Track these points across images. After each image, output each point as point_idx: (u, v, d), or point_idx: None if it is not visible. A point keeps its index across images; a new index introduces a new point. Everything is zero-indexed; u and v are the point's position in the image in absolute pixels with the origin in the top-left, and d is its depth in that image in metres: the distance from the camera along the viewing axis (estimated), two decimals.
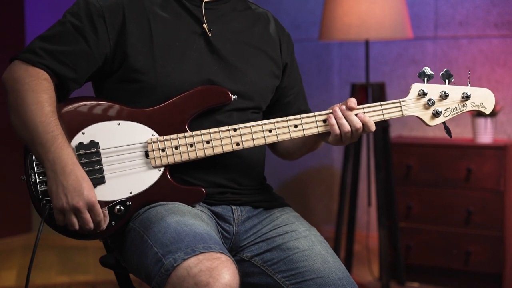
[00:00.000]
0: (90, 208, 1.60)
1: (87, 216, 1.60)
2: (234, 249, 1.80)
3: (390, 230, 3.54)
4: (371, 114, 1.74)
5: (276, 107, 1.93)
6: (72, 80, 1.71)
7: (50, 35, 1.71)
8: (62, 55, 1.69)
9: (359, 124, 1.70)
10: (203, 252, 1.48)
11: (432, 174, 3.52)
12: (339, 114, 1.71)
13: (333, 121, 1.71)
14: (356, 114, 1.71)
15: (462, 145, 3.52)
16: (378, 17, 3.30)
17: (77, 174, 1.60)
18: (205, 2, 1.80)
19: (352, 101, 1.71)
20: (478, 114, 3.46)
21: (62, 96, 1.72)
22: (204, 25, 1.78)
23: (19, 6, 4.48)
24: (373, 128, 1.72)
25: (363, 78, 4.09)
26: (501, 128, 3.80)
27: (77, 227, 1.61)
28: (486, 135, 3.46)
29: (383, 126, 3.47)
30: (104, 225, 1.65)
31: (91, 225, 1.62)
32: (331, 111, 1.73)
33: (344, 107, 1.71)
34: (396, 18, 3.34)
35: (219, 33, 1.79)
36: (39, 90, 1.65)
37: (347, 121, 1.70)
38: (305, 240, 1.75)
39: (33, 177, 1.65)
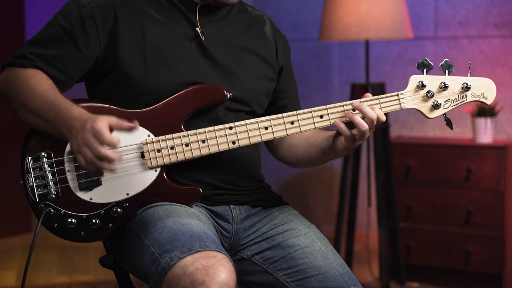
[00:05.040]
0: (96, 135, 1.53)
1: (98, 147, 1.53)
2: (234, 248, 1.81)
3: (390, 230, 3.54)
4: None
5: (272, 111, 1.89)
6: (63, 82, 1.72)
7: (40, 39, 1.71)
8: (52, 58, 1.69)
9: (374, 116, 1.67)
10: (199, 251, 1.48)
11: (432, 174, 3.51)
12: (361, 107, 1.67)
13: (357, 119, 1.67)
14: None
15: (462, 145, 3.52)
16: (378, 17, 3.30)
17: (83, 117, 1.57)
18: (200, 6, 1.79)
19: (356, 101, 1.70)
20: (479, 114, 3.46)
21: None
22: (197, 28, 1.77)
23: (19, 6, 4.48)
24: (384, 118, 1.69)
25: (363, 78, 4.09)
26: (501, 128, 3.79)
27: (98, 164, 1.54)
28: (486, 135, 3.46)
29: (383, 126, 3.46)
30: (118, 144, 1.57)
31: (106, 155, 1.54)
32: (327, 107, 1.70)
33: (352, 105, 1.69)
34: (396, 18, 3.34)
35: (212, 37, 1.78)
36: (34, 76, 1.66)
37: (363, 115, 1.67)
38: (305, 237, 1.76)
39: (30, 181, 1.66)
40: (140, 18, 1.74)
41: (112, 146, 1.55)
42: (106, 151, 1.54)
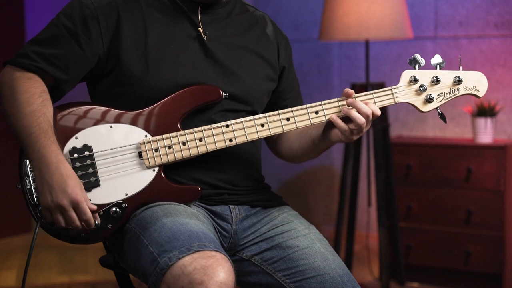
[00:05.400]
0: (75, 206, 1.58)
1: (72, 214, 1.59)
2: (233, 248, 1.81)
3: (390, 230, 3.54)
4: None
5: (274, 111, 1.90)
6: (65, 82, 1.71)
7: (43, 38, 1.70)
8: (55, 58, 1.68)
9: (369, 111, 1.69)
10: (198, 251, 1.48)
11: (432, 174, 3.51)
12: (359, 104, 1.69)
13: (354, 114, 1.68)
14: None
15: (462, 145, 3.51)
16: (378, 17, 3.30)
17: (62, 171, 1.59)
18: (202, 5, 1.79)
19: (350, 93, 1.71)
20: (479, 114, 3.46)
21: (56, 97, 1.73)
22: (199, 28, 1.77)
23: (19, 6, 4.48)
24: (379, 112, 1.71)
25: (363, 78, 4.09)
26: (501, 128, 3.79)
27: (63, 225, 1.60)
28: (486, 135, 3.46)
29: (383, 126, 3.46)
30: (93, 225, 1.63)
31: (77, 223, 1.60)
32: (322, 103, 1.71)
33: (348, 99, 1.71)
34: (396, 18, 3.34)
35: (214, 36, 1.79)
36: (26, 91, 1.65)
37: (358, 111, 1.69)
38: (304, 238, 1.76)
39: (27, 184, 1.64)
40: (142, 18, 1.74)
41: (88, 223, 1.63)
42: (85, 227, 1.63)
